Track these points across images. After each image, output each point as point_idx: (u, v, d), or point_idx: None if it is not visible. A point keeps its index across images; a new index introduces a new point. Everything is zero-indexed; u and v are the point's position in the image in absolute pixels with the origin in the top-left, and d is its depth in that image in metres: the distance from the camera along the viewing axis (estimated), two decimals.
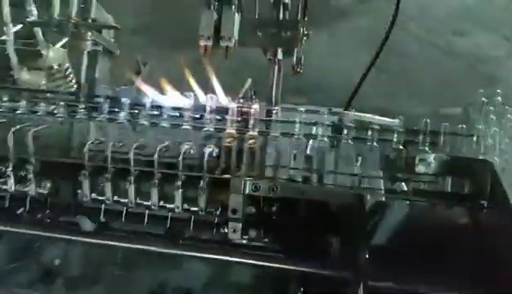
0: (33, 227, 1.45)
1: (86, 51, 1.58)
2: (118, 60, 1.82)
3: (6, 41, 1.56)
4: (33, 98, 1.48)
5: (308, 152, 1.34)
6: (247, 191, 1.27)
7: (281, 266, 1.30)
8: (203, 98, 1.43)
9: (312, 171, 1.31)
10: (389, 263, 1.16)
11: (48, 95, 1.49)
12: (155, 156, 1.25)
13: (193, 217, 1.34)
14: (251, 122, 1.32)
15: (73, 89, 1.77)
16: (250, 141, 1.28)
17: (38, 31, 1.64)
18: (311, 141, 1.34)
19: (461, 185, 1.22)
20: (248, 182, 1.27)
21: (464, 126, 1.28)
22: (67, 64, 1.77)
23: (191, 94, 1.40)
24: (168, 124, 1.36)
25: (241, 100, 1.40)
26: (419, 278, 1.13)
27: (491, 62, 4.01)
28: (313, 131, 1.34)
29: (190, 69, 1.49)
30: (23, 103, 1.39)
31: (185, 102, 1.39)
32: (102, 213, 1.39)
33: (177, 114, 1.38)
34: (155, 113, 1.38)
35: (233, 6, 1.50)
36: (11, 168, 1.34)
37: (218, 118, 1.35)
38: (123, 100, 1.38)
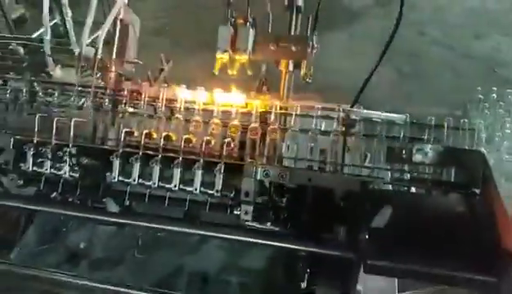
0: (65, 208, 1.58)
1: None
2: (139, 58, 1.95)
3: (44, 40, 1.69)
4: (65, 91, 1.62)
5: (319, 144, 1.46)
6: (258, 177, 1.40)
7: (291, 246, 1.41)
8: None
9: (325, 162, 1.43)
10: (387, 244, 1.26)
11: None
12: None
13: (209, 199, 1.46)
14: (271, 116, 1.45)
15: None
16: (272, 135, 1.41)
17: (71, 32, 1.77)
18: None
19: (456, 174, 1.31)
20: (259, 168, 1.39)
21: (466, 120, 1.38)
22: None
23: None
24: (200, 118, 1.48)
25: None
26: (413, 257, 1.22)
27: (510, 66, 4.00)
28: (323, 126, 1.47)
29: (207, 70, 1.61)
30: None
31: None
32: (127, 195, 1.51)
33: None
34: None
35: (248, 23, 1.64)
36: (49, 153, 1.47)
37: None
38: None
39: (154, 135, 1.45)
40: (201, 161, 1.40)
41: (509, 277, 1.11)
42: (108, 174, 1.47)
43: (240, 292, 1.73)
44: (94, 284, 1.58)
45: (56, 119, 1.46)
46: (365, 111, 1.47)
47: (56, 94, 1.61)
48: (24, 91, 1.60)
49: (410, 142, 1.39)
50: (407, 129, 1.39)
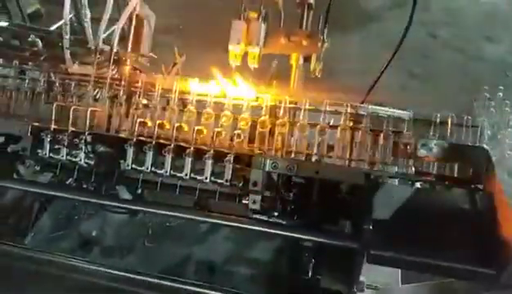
0: (79, 194, 1.63)
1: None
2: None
3: (63, 39, 1.75)
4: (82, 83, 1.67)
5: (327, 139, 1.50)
6: (267, 168, 1.44)
7: (296, 235, 1.45)
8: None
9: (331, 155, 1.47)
10: (390, 235, 1.29)
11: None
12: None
13: (218, 189, 1.50)
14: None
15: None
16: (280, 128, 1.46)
17: (89, 30, 1.82)
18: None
19: (459, 169, 1.35)
20: (268, 160, 1.43)
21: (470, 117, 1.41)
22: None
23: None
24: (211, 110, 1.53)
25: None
26: (416, 249, 1.26)
27: None
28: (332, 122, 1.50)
29: (219, 69, 1.65)
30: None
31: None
32: (140, 183, 1.56)
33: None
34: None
35: (260, 17, 1.69)
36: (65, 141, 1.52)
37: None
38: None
39: (167, 126, 1.49)
40: (211, 151, 1.44)
41: (508, 269, 1.14)
42: (122, 162, 1.51)
43: (245, 282, 1.77)
44: (106, 270, 1.63)
45: (72, 108, 1.50)
46: (371, 107, 1.50)
47: (73, 85, 1.66)
48: (42, 81, 1.66)
49: (415, 137, 1.42)
50: (411, 125, 1.42)
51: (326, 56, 1.78)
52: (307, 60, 1.77)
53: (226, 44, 1.74)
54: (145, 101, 1.61)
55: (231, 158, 1.43)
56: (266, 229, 1.46)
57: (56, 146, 1.53)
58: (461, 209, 1.32)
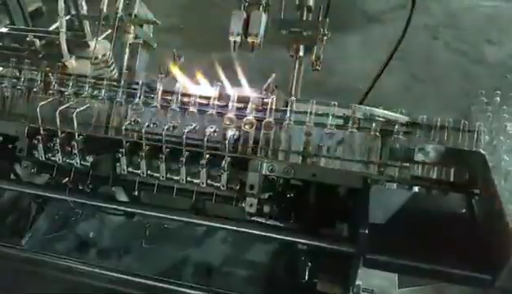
0: (75, 195, 1.62)
1: (128, 43, 1.75)
2: (152, 55, 1.99)
3: (60, 32, 1.75)
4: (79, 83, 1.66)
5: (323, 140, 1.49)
6: (263, 171, 1.43)
7: (292, 239, 1.44)
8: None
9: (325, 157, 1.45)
10: (387, 240, 1.29)
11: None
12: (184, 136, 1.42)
13: (215, 191, 1.49)
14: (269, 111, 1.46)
15: (114, 76, 1.95)
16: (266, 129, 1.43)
17: (86, 24, 1.82)
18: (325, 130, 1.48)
19: (456, 174, 1.34)
20: (265, 163, 1.42)
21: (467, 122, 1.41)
22: (110, 54, 1.94)
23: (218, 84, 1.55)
24: (195, 109, 1.50)
25: (263, 92, 1.55)
26: (412, 253, 1.26)
27: None
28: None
29: (220, 68, 1.64)
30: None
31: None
32: (136, 185, 1.55)
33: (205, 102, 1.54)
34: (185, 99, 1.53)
35: (261, 7, 1.68)
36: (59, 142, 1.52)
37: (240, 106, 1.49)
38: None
39: (164, 128, 1.47)
40: (206, 155, 1.43)
41: (503, 274, 1.13)
42: (118, 164, 1.51)
43: (242, 284, 1.77)
44: (103, 271, 1.63)
45: (66, 109, 1.49)
46: (368, 108, 1.49)
47: (71, 84, 1.65)
48: (39, 81, 1.65)
49: (412, 141, 1.41)
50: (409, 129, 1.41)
51: (327, 57, 1.76)
52: (307, 50, 1.75)
53: (227, 44, 1.72)
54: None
55: (227, 162, 1.42)
56: (261, 232, 1.45)
57: (52, 148, 1.52)
58: (458, 214, 1.32)
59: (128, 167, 1.50)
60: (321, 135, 1.44)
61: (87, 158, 1.53)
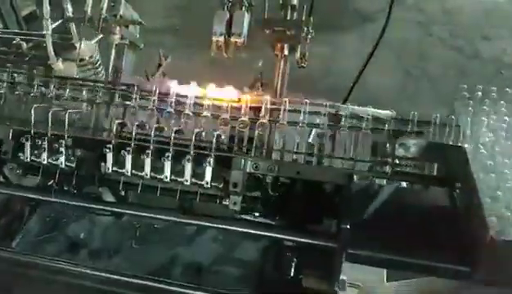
0: (61, 196, 1.63)
1: (114, 44, 1.76)
2: (143, 56, 2.00)
3: (46, 34, 1.75)
4: (63, 85, 1.66)
5: (310, 139, 1.50)
6: (248, 169, 1.44)
7: (276, 235, 1.46)
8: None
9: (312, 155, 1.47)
10: (368, 235, 1.30)
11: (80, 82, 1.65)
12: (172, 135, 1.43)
13: (199, 190, 1.50)
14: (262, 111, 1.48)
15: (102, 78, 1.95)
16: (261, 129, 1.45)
17: (73, 26, 1.82)
18: (313, 130, 1.50)
19: (437, 168, 1.35)
20: (249, 161, 1.44)
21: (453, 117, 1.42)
22: (97, 57, 1.95)
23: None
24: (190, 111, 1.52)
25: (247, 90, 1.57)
26: (393, 247, 1.27)
27: None
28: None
29: (215, 68, 1.64)
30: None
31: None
32: (121, 185, 1.56)
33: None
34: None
35: (243, 7, 1.68)
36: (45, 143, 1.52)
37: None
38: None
39: (147, 127, 1.49)
40: (191, 153, 1.44)
41: (481, 266, 1.14)
42: (102, 164, 1.52)
43: (229, 281, 1.78)
44: (93, 272, 1.64)
45: (52, 111, 1.51)
46: (351, 107, 1.50)
47: (53, 86, 1.66)
48: (24, 83, 1.66)
49: (395, 137, 1.42)
50: (392, 124, 1.42)
51: (323, 57, 1.76)
52: (292, 50, 1.75)
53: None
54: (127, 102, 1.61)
55: (211, 160, 1.43)
56: (245, 229, 1.46)
57: (38, 150, 1.53)
58: (439, 208, 1.33)
59: (113, 167, 1.50)
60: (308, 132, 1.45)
61: (72, 158, 1.54)
